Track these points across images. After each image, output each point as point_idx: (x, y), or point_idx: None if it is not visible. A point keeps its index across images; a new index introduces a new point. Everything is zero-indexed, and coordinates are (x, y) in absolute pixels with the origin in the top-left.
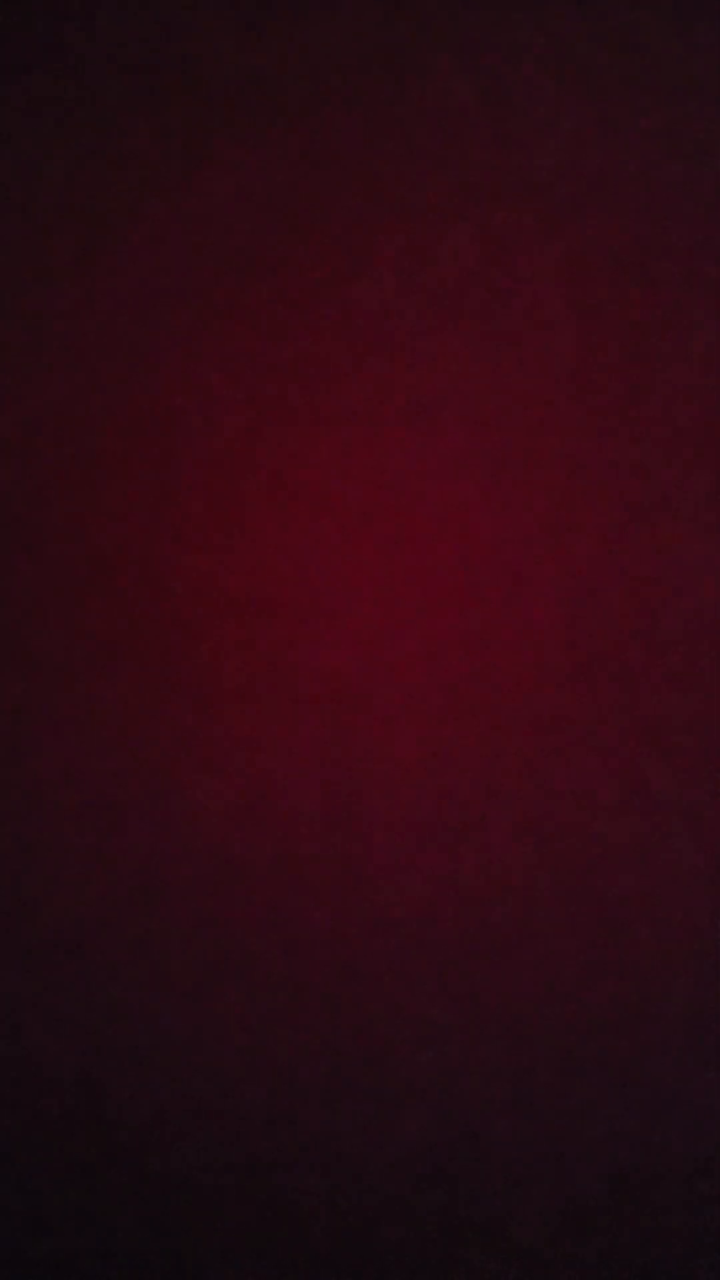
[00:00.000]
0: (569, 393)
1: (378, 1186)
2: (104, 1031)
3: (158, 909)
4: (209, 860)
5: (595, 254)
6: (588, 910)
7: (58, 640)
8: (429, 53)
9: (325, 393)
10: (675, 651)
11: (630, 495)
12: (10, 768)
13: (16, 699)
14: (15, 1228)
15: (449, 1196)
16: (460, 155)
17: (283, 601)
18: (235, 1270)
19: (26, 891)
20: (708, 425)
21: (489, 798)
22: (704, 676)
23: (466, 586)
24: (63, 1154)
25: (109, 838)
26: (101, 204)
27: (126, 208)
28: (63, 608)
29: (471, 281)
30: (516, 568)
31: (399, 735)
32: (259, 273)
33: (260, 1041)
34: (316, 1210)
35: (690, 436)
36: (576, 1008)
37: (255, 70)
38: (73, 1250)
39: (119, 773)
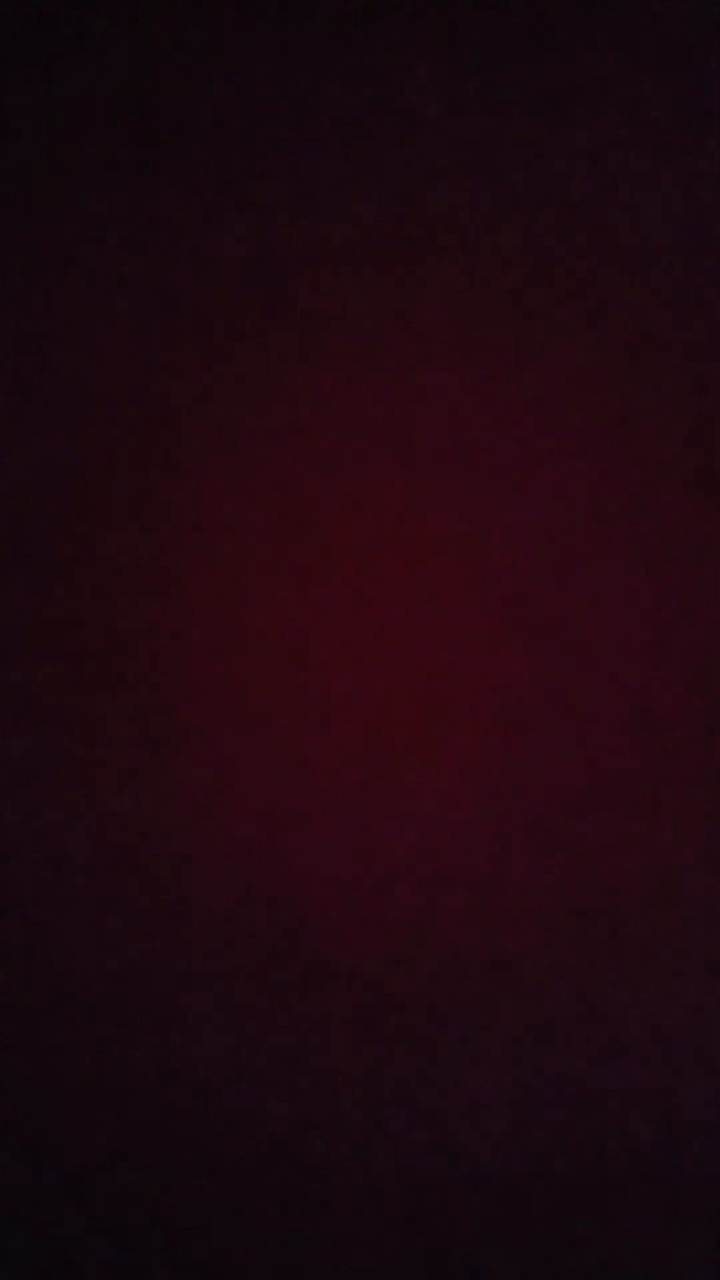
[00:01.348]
0: (564, 423)
1: (386, 1214)
2: (117, 1066)
3: (171, 947)
4: (223, 898)
5: (591, 278)
6: (603, 946)
7: (68, 676)
8: (420, 97)
9: (322, 427)
10: (686, 679)
11: (631, 520)
12: (22, 804)
13: (28, 737)
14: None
15: (460, 1234)
16: (450, 185)
17: (292, 634)
18: None
19: (38, 930)
20: (703, 447)
21: (504, 831)
22: (715, 704)
23: (477, 622)
24: (78, 1189)
25: (120, 876)
26: (99, 237)
27: (125, 240)
28: (72, 645)
29: (464, 314)
30: (524, 599)
31: (415, 772)
32: (253, 309)
33: (276, 1078)
34: (325, 1238)
35: (686, 460)
36: (592, 1041)
37: (252, 110)
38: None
39: (129, 809)
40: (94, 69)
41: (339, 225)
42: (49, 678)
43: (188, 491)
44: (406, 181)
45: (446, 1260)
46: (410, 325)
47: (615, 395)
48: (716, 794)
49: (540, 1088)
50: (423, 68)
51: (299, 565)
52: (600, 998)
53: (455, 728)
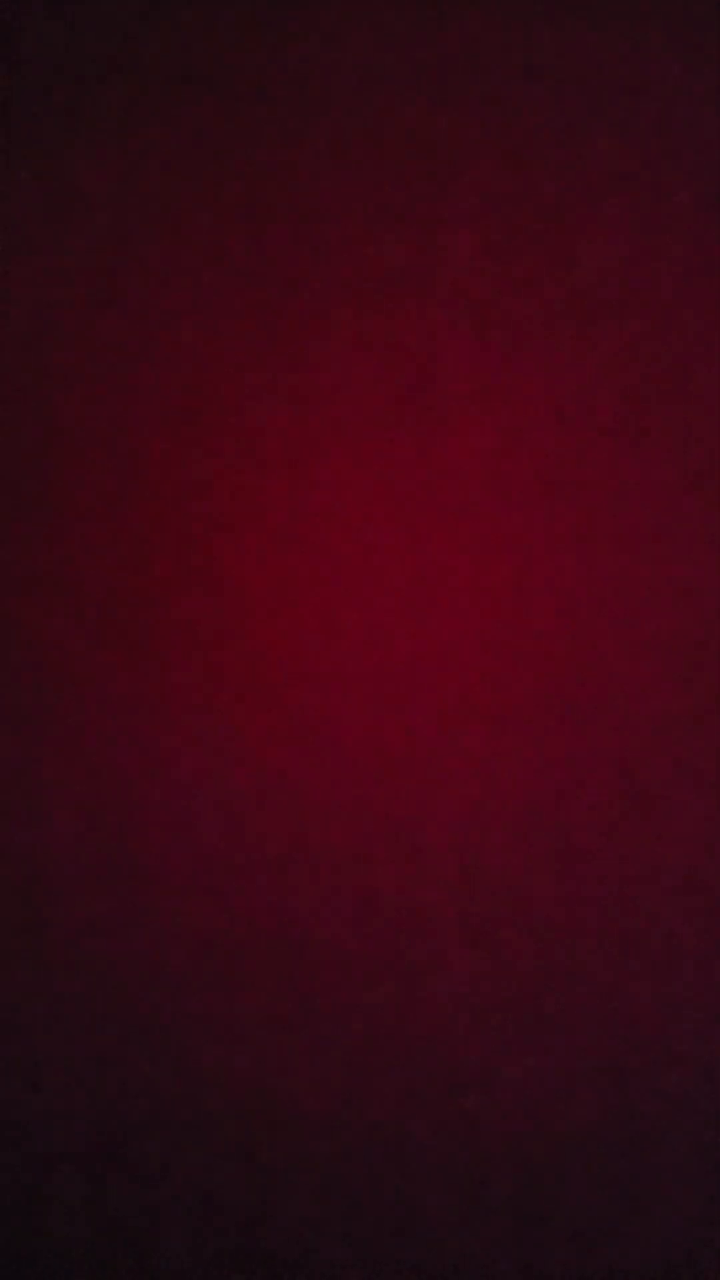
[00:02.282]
0: (576, 419)
1: (377, 1195)
2: (107, 1038)
3: (161, 914)
4: (214, 861)
5: (598, 276)
6: (598, 928)
7: (66, 650)
8: (437, 72)
9: (333, 411)
10: (683, 672)
11: (635, 517)
12: (15, 776)
13: (22, 705)
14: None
15: (456, 1223)
16: (467, 175)
17: (287, 604)
18: None
19: (31, 901)
20: (708, 449)
21: (497, 806)
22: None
23: (476, 602)
24: (64, 1164)
25: (113, 842)
26: (105, 215)
27: (131, 219)
28: (71, 615)
29: (478, 301)
30: (524, 586)
31: (412, 746)
32: (262, 289)
33: (260, 1053)
34: (317, 1231)
35: (691, 461)
36: (583, 1029)
37: (268, 83)
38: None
39: (123, 775)
40: (89, 36)
41: (353, 203)
42: (47, 650)
43: (188, 476)
44: (426, 163)
45: (447, 1254)
46: (421, 315)
47: (620, 388)
48: (715, 785)
49: (539, 1079)
50: (431, 44)
51: (307, 547)
52: (598, 986)
53: (455, 719)
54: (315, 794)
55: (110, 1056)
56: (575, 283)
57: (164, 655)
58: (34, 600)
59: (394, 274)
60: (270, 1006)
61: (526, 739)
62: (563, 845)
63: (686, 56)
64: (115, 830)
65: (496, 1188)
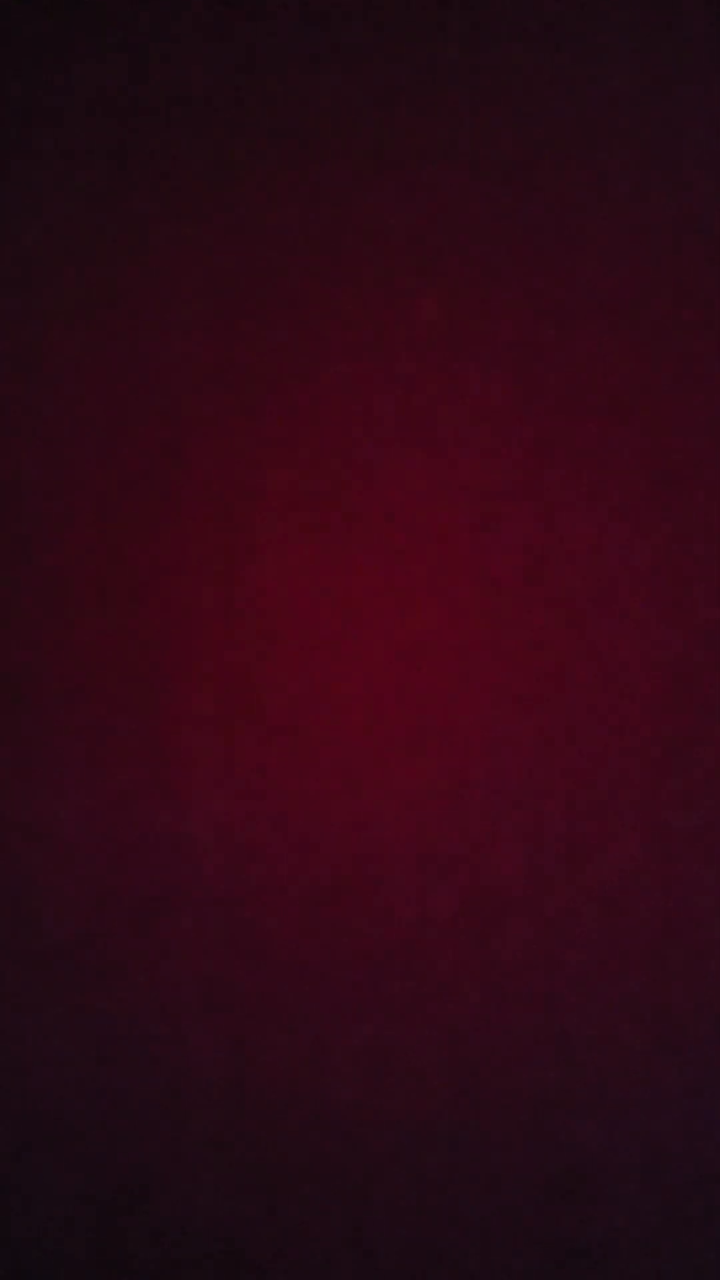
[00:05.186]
0: (572, 416)
1: (381, 1215)
2: (108, 1067)
3: (162, 939)
4: (215, 886)
5: (597, 274)
6: (602, 943)
7: (62, 670)
8: (435, 90)
9: (329, 419)
10: (687, 674)
11: (636, 516)
12: (13, 800)
13: (20, 729)
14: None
15: (455, 1231)
16: (466, 184)
17: (289, 627)
18: None
19: (31, 924)
20: (709, 439)
21: (498, 819)
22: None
23: (473, 608)
24: (62, 1179)
25: (119, 857)
26: (109, 228)
27: (136, 234)
28: (67, 635)
29: (475, 302)
30: (523, 586)
31: (410, 765)
32: (259, 299)
33: (263, 1079)
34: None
35: (693, 456)
36: (583, 1038)
37: (265, 106)
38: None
39: (130, 789)
40: (85, 45)
41: (349, 213)
42: (48, 661)
43: (194, 480)
44: (423, 172)
45: (447, 1255)
46: (418, 316)
47: (618, 384)
48: (714, 787)
49: (534, 1082)
50: (423, 49)
51: (305, 550)
52: (595, 981)
53: (451, 720)
54: (320, 815)
55: (107, 1068)
56: (574, 298)
57: (173, 679)
58: (39, 624)
59: (395, 293)
60: (271, 1016)
61: (533, 754)
62: (572, 864)
63: (688, 66)
64: (118, 845)
65: (506, 1193)
